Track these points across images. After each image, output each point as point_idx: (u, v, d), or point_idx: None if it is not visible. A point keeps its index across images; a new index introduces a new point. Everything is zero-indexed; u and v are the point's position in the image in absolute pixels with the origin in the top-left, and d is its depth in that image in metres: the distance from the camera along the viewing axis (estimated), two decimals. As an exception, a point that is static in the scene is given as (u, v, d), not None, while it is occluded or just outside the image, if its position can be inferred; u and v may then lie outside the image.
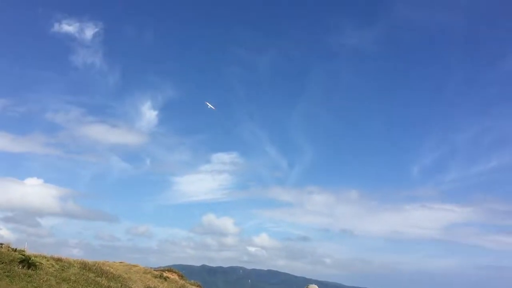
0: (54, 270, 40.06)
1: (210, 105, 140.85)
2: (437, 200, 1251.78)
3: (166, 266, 78.36)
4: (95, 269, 45.24)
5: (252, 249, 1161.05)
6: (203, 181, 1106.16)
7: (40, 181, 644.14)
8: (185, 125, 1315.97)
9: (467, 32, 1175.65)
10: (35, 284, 34.98)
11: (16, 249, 41.09)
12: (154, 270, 59.87)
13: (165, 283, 48.66)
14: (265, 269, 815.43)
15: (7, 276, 34.31)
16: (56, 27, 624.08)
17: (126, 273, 50.35)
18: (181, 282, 44.68)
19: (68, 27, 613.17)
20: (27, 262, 37.33)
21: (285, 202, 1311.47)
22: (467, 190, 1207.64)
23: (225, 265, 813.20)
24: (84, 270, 43.37)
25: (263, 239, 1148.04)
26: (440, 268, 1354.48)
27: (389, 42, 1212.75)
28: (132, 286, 44.58)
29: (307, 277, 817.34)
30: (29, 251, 42.38)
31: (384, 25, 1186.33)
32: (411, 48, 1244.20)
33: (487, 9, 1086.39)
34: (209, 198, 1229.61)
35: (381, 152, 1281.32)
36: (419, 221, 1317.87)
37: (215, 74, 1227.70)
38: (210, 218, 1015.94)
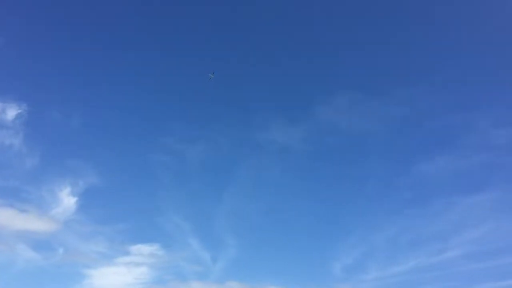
0: None
1: (211, 75, 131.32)
2: None
3: None
4: None
5: None
6: (119, 275, 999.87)
7: None
8: (105, 214, 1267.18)
9: (384, 139, 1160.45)
10: None
11: None
12: None
13: None
14: None
15: None
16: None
17: None
18: None
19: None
20: None
21: None
22: None
23: None
24: None
25: None
26: None
27: (315, 142, 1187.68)
28: None
29: None
30: None
31: (309, 125, 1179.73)
32: (334, 150, 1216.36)
33: (399, 118, 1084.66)
34: None
35: (305, 249, 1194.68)
36: None
37: (140, 161, 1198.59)
38: None
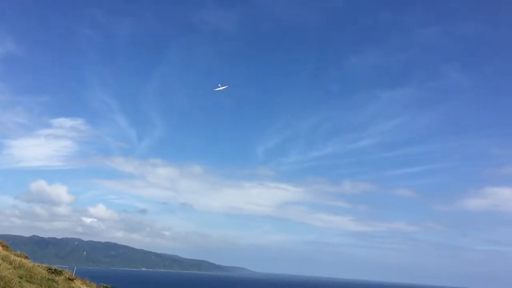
0: None
1: (221, 86, 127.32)
2: (274, 179, 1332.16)
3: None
4: None
5: (88, 220, 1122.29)
6: (39, 147, 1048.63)
7: None
8: (26, 84, 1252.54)
9: (319, 31, 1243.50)
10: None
11: None
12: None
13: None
14: (103, 241, 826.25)
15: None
16: None
17: None
18: (4, 253, 40.64)
19: None
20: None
21: (128, 173, 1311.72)
22: (302, 172, 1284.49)
23: (59, 236, 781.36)
24: None
25: (100, 210, 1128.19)
26: (274, 243, 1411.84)
27: (250, 28, 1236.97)
28: None
29: (146, 249, 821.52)
30: None
31: (246, 10, 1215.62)
32: (268, 37, 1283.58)
33: (339, 10, 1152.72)
34: (43, 164, 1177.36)
35: (229, 131, 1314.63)
36: (257, 198, 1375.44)
37: (64, 32, 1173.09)
38: (39, 185, 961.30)
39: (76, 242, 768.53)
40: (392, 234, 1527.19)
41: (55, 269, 42.42)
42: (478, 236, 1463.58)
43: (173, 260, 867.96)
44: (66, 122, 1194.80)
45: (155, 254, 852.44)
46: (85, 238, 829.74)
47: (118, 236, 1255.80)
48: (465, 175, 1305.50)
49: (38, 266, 41.90)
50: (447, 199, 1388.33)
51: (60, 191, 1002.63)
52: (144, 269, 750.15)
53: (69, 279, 40.83)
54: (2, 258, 36.40)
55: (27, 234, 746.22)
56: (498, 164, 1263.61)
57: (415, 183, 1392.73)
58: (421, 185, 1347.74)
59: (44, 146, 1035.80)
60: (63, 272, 42.65)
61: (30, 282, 34.22)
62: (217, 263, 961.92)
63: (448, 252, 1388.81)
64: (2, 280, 30.55)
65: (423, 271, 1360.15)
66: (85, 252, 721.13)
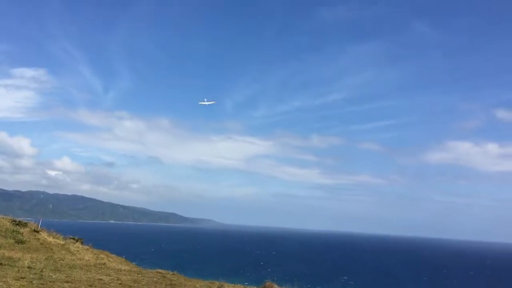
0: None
1: (207, 101, 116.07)
2: (243, 133, 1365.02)
3: None
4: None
5: (53, 173, 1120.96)
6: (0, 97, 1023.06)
7: None
8: None
9: None
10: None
11: None
12: None
13: None
14: (69, 194, 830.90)
15: None
16: None
17: None
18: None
19: None
20: None
21: (93, 126, 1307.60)
22: (270, 126, 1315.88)
23: (23, 189, 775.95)
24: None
25: (65, 163, 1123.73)
26: (241, 196, 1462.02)
27: None
28: None
29: (114, 202, 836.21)
30: None
31: None
32: None
33: None
34: (4, 116, 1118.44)
35: (197, 85, 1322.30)
36: (225, 152, 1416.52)
37: None
38: (0, 137, 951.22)
39: (41, 195, 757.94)
40: (358, 187, 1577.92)
41: (19, 221, 41.68)
42: (438, 188, 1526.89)
43: (142, 213, 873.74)
44: (28, 72, 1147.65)
45: (123, 206, 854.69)
46: (51, 191, 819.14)
47: (85, 189, 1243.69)
48: (429, 129, 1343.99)
49: (3, 218, 41.10)
50: (411, 152, 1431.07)
51: (22, 143, 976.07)
52: (112, 221, 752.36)
53: (34, 231, 40.28)
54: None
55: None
56: (462, 119, 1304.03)
57: (381, 137, 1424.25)
58: (387, 139, 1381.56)
59: (4, 97, 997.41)
60: (28, 224, 42.02)
61: (-6, 234, 33.61)
62: (185, 216, 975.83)
63: (410, 203, 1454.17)
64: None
65: (387, 222, 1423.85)
66: (51, 205, 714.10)
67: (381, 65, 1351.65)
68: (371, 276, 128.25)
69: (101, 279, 17.92)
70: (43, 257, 26.17)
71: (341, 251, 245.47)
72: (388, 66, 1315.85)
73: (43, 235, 40.35)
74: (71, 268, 21.98)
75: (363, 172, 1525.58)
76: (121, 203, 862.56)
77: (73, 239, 43.36)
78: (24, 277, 17.71)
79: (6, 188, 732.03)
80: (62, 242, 38.88)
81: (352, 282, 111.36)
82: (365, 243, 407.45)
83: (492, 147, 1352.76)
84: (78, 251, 35.03)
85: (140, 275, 22.27)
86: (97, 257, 27.44)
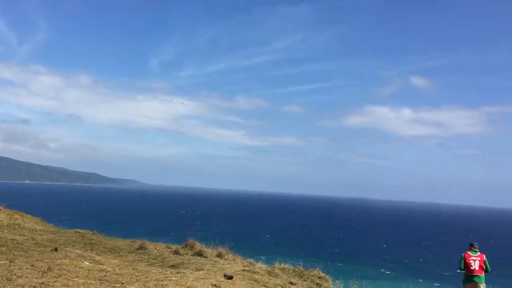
0: None
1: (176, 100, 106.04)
2: (169, 93, 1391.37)
3: None
4: None
5: None
6: None
7: None
8: None
9: None
10: None
11: None
12: None
13: None
14: None
15: None
16: None
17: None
18: None
19: None
20: None
21: (6, 80, 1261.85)
22: (197, 86, 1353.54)
23: None
24: None
25: None
26: (167, 156, 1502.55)
27: None
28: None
29: (30, 161, 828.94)
30: None
31: None
32: None
33: None
34: None
35: (121, 42, 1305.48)
36: (151, 111, 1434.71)
37: None
38: None
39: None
40: (283, 148, 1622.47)
41: None
42: (357, 150, 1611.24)
43: (60, 173, 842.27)
44: None
45: (40, 166, 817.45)
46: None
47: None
48: (351, 93, 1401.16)
49: None
50: (333, 116, 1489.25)
51: None
52: (28, 181, 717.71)
53: None
54: None
55: None
56: (381, 84, 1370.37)
57: (305, 100, 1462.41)
58: (310, 102, 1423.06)
59: None
60: None
61: None
62: (108, 176, 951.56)
63: (331, 165, 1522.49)
64: None
65: (310, 183, 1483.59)
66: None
67: (310, 29, 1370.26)
68: (293, 234, 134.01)
69: (14, 239, 17.08)
70: None
71: (265, 211, 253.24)
72: (317, 30, 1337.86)
73: None
74: (-20, 229, 20.69)
75: (288, 134, 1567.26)
76: (38, 163, 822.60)
77: (-17, 199, 40.64)
78: None
79: None
80: (-30, 203, 36.32)
81: (273, 240, 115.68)
82: (290, 203, 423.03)
83: (407, 112, 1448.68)
84: (-12, 211, 32.94)
85: (57, 234, 21.51)
86: (10, 217, 26.00)
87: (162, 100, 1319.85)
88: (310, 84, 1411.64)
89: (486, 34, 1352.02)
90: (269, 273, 16.58)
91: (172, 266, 15.50)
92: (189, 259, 17.66)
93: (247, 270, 15.92)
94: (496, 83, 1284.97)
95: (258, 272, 15.93)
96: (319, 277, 18.09)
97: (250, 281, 13.99)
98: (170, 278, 12.14)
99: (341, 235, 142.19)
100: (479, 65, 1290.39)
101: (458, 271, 16.82)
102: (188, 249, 19.76)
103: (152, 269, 13.76)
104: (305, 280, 17.24)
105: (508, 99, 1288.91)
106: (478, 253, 16.31)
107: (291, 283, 15.85)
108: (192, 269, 14.76)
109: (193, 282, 11.92)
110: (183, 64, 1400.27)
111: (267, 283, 14.39)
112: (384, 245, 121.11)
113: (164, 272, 13.35)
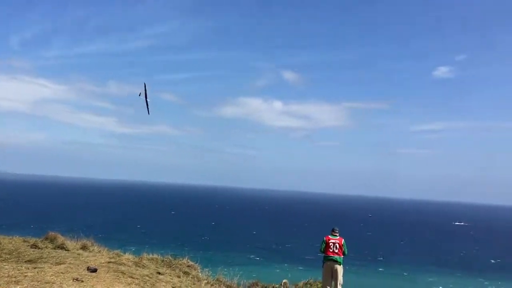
0: None
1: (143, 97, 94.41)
2: (31, 74, 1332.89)
3: None
4: None
5: None
6: None
7: None
8: None
9: None
10: None
11: None
12: None
13: None
14: None
15: None
16: None
17: None
18: None
19: None
20: None
21: None
22: (65, 68, 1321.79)
23: None
24: None
25: None
26: (30, 142, 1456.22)
27: None
28: None
29: None
30: None
31: None
32: None
33: None
34: None
35: None
36: (10, 93, 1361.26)
37: None
38: None
39: None
40: (156, 136, 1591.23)
41: None
42: (230, 140, 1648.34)
43: None
44: None
45: None
46: None
47: None
48: (226, 84, 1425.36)
49: None
50: (208, 105, 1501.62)
51: None
52: None
53: None
54: None
55: None
56: (255, 76, 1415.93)
57: (180, 88, 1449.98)
58: (185, 91, 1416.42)
59: None
60: None
61: None
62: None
63: (205, 154, 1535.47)
64: None
65: (183, 171, 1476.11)
66: None
67: (187, 16, 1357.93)
68: (165, 224, 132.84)
69: None
70: None
71: (137, 201, 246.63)
72: (193, 18, 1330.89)
73: None
74: None
75: (162, 122, 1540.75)
76: None
77: None
78: None
79: None
80: None
81: (144, 230, 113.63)
82: (164, 193, 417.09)
83: (278, 105, 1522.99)
84: None
85: None
86: None
87: (24, 81, 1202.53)
88: (186, 73, 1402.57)
89: (349, 34, 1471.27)
90: (137, 264, 16.33)
91: (29, 261, 14.42)
92: (49, 252, 16.57)
93: (113, 262, 15.48)
94: (353, 81, 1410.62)
95: (124, 264, 15.59)
96: (188, 266, 18.31)
97: (115, 273, 13.63)
98: (26, 273, 11.33)
99: (213, 223, 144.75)
100: (340, 64, 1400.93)
101: (319, 254, 18.19)
102: (49, 242, 18.53)
103: (5, 265, 12.68)
104: (173, 270, 17.30)
105: (364, 97, 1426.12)
106: (338, 237, 17.86)
107: (159, 273, 15.79)
108: (51, 263, 13.90)
109: (52, 277, 11.27)
110: (49, 43, 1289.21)
111: (133, 274, 14.16)
112: (254, 232, 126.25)
113: (19, 267, 12.39)
